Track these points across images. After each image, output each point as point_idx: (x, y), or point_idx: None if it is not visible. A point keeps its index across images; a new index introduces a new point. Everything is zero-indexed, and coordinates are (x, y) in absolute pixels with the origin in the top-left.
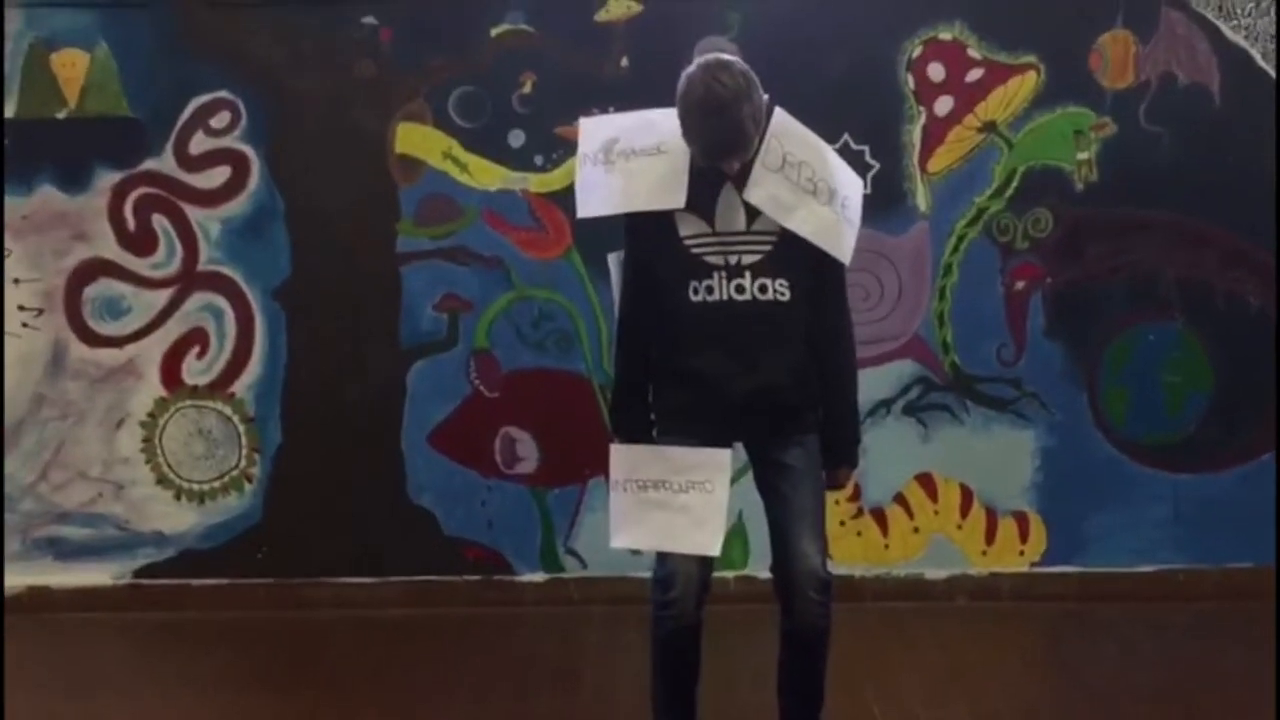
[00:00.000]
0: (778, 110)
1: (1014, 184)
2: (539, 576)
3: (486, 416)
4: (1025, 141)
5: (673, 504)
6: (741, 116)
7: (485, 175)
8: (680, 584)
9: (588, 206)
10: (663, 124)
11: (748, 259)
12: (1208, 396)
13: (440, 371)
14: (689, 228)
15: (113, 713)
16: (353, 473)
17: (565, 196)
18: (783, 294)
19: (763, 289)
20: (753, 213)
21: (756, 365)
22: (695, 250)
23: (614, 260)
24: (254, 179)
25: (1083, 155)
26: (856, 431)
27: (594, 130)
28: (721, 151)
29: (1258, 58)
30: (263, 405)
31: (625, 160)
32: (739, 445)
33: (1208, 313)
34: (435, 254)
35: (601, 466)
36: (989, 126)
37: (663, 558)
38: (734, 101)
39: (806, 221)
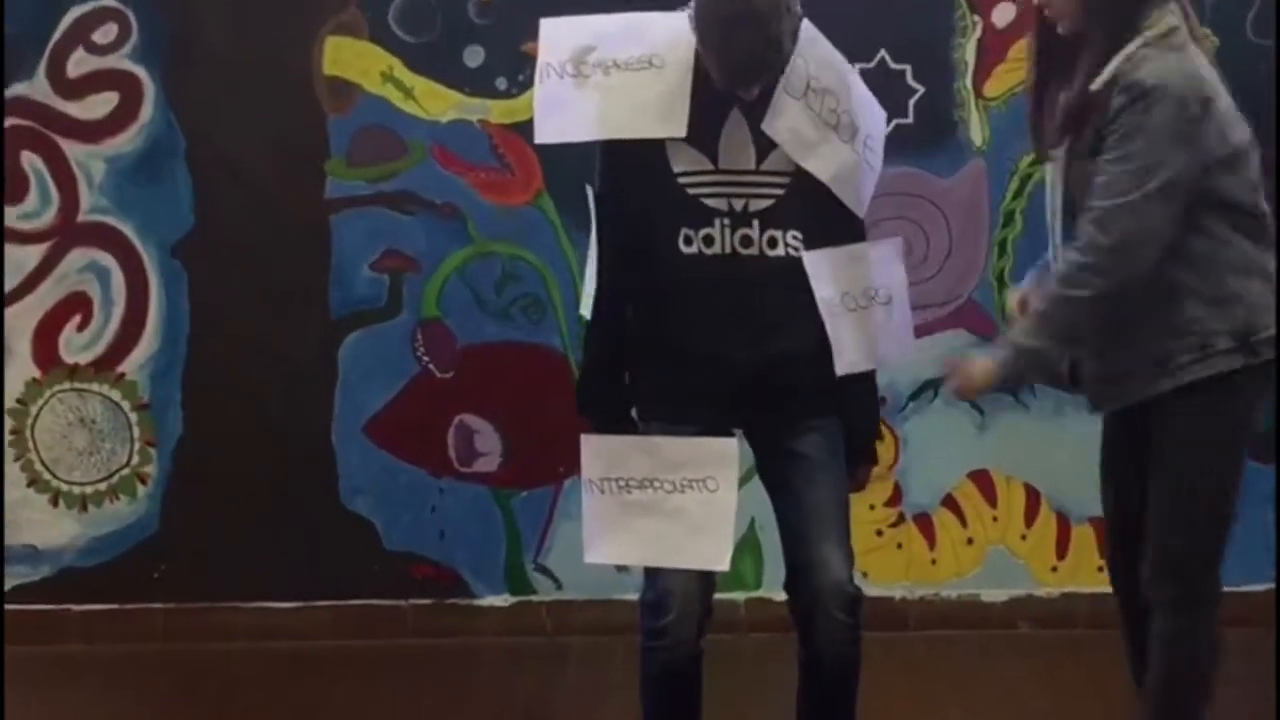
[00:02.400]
0: (805, 23)
1: None
2: (503, 600)
3: (438, 402)
4: None
5: (664, 508)
6: (781, 31)
7: (435, 102)
8: (676, 607)
9: (550, 128)
10: (655, 29)
11: (756, 204)
12: None
13: (380, 346)
14: (685, 162)
15: None
16: (272, 472)
17: (534, 128)
18: (795, 249)
19: (773, 242)
20: (764, 148)
21: (765, 333)
22: (692, 191)
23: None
24: (147, 108)
25: None
26: (875, 423)
27: (559, 35)
28: (751, 73)
29: None
30: (159, 388)
31: (604, 74)
32: (741, 434)
33: None
34: (373, 200)
35: (580, 464)
36: None
37: (652, 577)
38: (772, 10)
39: (827, 162)
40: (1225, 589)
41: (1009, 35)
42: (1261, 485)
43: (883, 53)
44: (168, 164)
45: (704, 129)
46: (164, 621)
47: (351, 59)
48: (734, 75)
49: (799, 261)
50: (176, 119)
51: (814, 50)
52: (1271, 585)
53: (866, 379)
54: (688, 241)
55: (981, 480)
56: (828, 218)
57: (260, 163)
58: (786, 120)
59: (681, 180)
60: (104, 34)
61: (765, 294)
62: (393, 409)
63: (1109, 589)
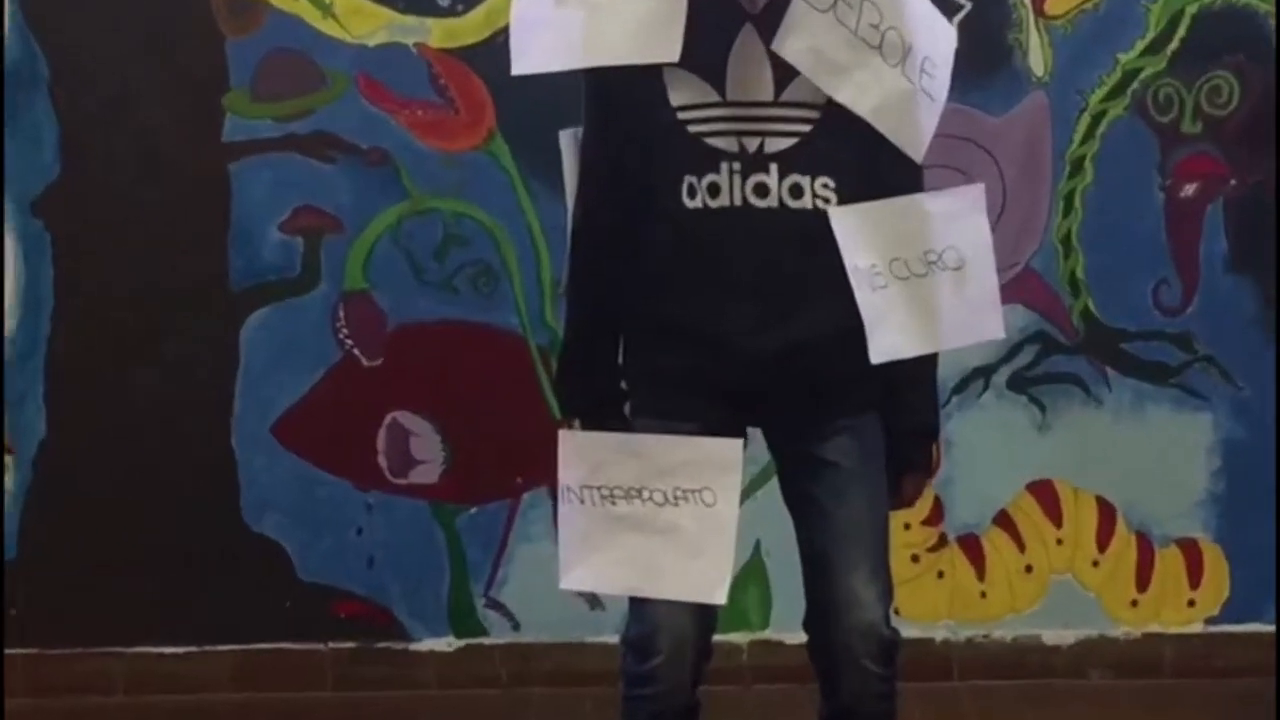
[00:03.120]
0: None
1: (1180, 32)
2: (445, 643)
3: (365, 396)
4: None
5: (655, 523)
6: None
7: (360, 20)
8: (666, 647)
9: (527, 57)
10: None
11: (774, 144)
12: None
13: (292, 326)
14: (686, 93)
15: None
16: (158, 483)
17: (486, 53)
18: (826, 199)
19: (796, 191)
20: (785, 74)
21: (785, 307)
22: (695, 128)
23: (569, 140)
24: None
25: None
26: (934, 419)
27: None
28: None
29: None
30: (17, 379)
31: None
32: (757, 436)
33: None
34: (284, 144)
35: (543, 473)
36: None
37: (639, 608)
38: None
39: (866, 91)
40: None
41: None
42: None
43: None
44: (27, 98)
45: (709, 51)
46: (21, 671)
47: None
48: None
49: (829, 217)
50: (37, 42)
51: None
52: None
53: (923, 365)
54: (691, 192)
55: (1043, 493)
56: (872, 161)
57: (142, 97)
58: (806, 38)
59: (682, 116)
60: None
61: (786, 258)
62: (308, 405)
63: (1200, 628)
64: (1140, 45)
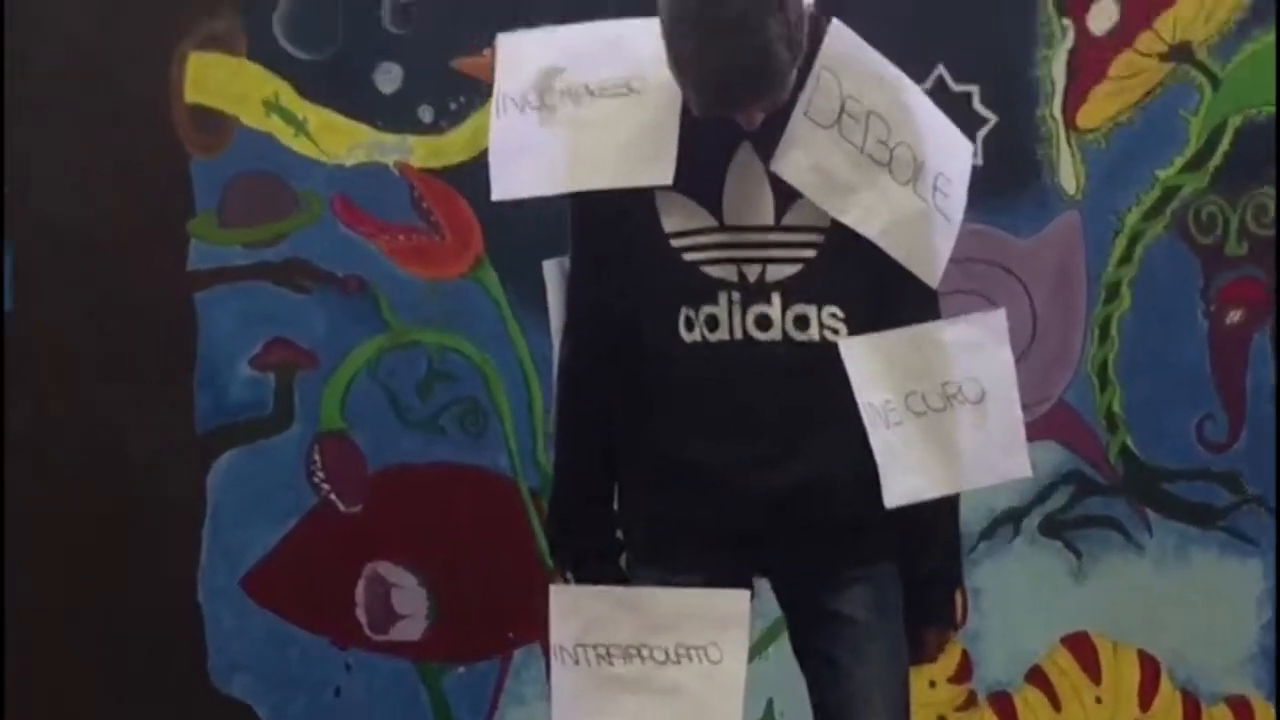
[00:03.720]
0: (834, 26)
1: (1223, 146)
2: None
3: (343, 545)
4: (1239, 76)
5: (656, 684)
6: (768, 36)
7: (337, 139)
8: None
9: (509, 182)
10: (638, 44)
11: (776, 272)
12: None
13: (264, 470)
14: (680, 219)
15: None
16: (121, 640)
17: (472, 174)
18: (835, 330)
19: (801, 322)
20: (786, 195)
21: (792, 449)
22: (690, 256)
23: (553, 271)
24: None
25: None
26: (957, 567)
27: (521, 54)
28: (733, 95)
29: None
30: None
31: (574, 104)
32: (765, 585)
33: None
34: (253, 272)
35: (535, 628)
36: (1180, 52)
37: None
38: (753, 8)
39: (874, 213)
40: None
41: (1111, 46)
42: None
43: (940, 68)
44: None
45: (704, 173)
46: None
47: (224, 81)
48: (713, 97)
49: (837, 350)
50: None
51: (852, 62)
52: None
53: (943, 508)
54: (689, 325)
55: (1080, 646)
56: (883, 288)
57: (103, 220)
58: (808, 156)
59: (676, 243)
60: None
61: (791, 394)
62: (281, 555)
63: None
64: (1180, 161)
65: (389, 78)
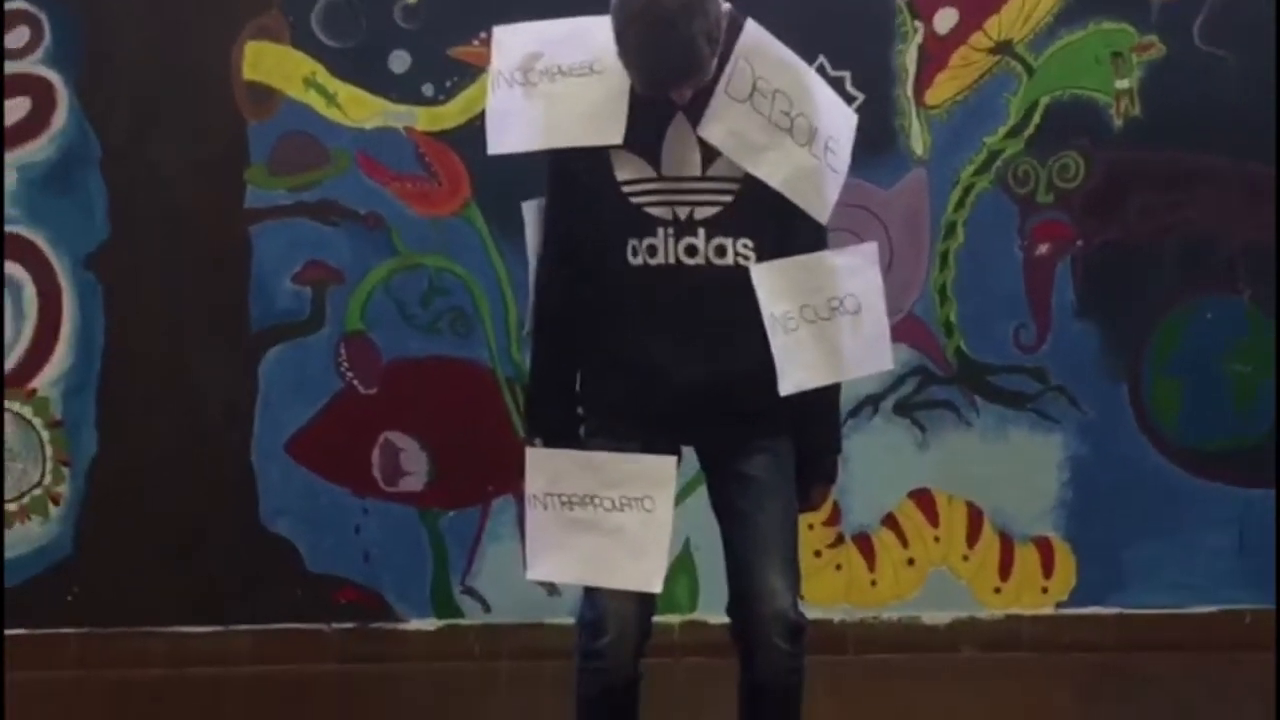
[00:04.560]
0: (749, 23)
1: (1035, 121)
2: (429, 624)
3: (362, 418)
4: (1049, 66)
5: (604, 526)
6: (692, 33)
7: (360, 109)
8: (613, 628)
9: (500, 140)
10: (598, 36)
11: (702, 212)
12: None
13: (301, 361)
14: (628, 170)
15: None
16: (190, 491)
17: (463, 136)
18: (745, 256)
19: (720, 250)
20: (710, 153)
21: (712, 349)
22: (636, 199)
23: (531, 209)
24: (60, 115)
25: (1122, 84)
26: (837, 438)
27: (510, 42)
28: (666, 78)
29: None
30: (73, 405)
31: (549, 81)
32: (690, 452)
33: None
34: (295, 210)
35: (509, 483)
36: (1003, 47)
37: (591, 595)
38: (683, 13)
39: (778, 167)
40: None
41: (951, 41)
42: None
43: (821, 58)
44: (81, 173)
45: (647, 135)
46: (78, 647)
47: (272, 64)
48: (651, 79)
49: (748, 271)
50: (91, 126)
51: (761, 49)
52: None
53: (828, 393)
54: (634, 252)
55: (922, 499)
56: (785, 225)
57: (177, 171)
58: (726, 124)
59: (625, 189)
60: (16, 38)
61: (712, 306)
62: (315, 426)
63: (1052, 610)
64: (1002, 131)
65: (400, 62)
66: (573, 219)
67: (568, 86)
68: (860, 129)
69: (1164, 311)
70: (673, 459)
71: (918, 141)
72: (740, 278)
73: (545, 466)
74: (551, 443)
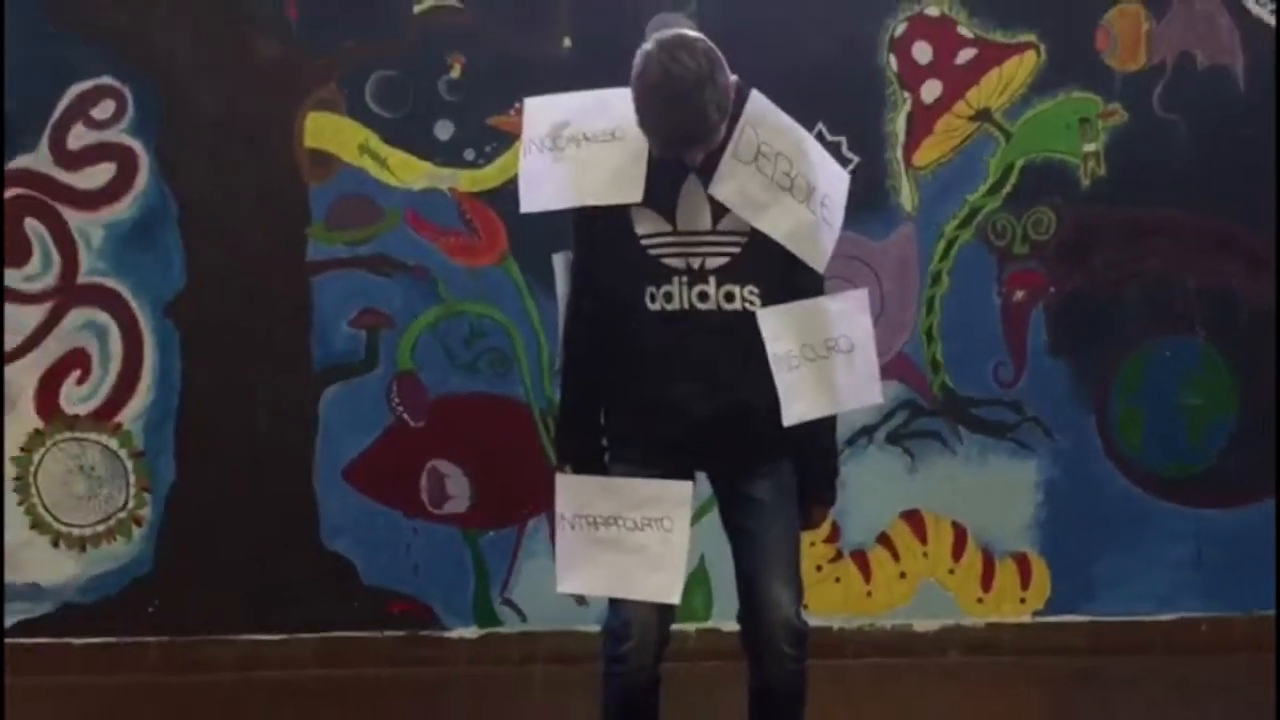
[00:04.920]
0: (753, 94)
1: (1011, 180)
2: (472, 632)
3: (411, 448)
4: (1024, 131)
5: (627, 544)
6: (704, 102)
7: (408, 172)
8: (636, 635)
9: (532, 200)
10: (618, 106)
11: (712, 262)
12: (1233, 421)
13: (357, 397)
14: (646, 225)
15: None
16: (258, 514)
17: (500, 196)
18: (752, 303)
19: (729, 297)
20: (719, 210)
21: (722, 384)
22: (653, 251)
23: (560, 261)
24: (142, 178)
25: (1089, 147)
26: (834, 464)
27: (541, 112)
28: (681, 142)
29: None
30: (153, 437)
31: (575, 147)
32: (702, 477)
33: (1232, 326)
34: (351, 262)
35: (543, 505)
36: (983, 115)
37: (616, 606)
38: (696, 85)
39: (780, 222)
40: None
41: (936, 110)
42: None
43: (820, 125)
44: (161, 230)
45: (663, 194)
46: (156, 654)
47: (331, 132)
48: (667, 143)
49: (755, 316)
50: (169, 188)
51: (765, 118)
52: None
53: (826, 424)
54: (652, 299)
55: (913, 519)
56: (786, 273)
57: (247, 228)
58: (734, 184)
59: (644, 242)
60: (102, 109)
61: (722, 347)
62: (370, 455)
63: (1029, 618)
64: (983, 189)
65: (444, 130)
66: (597, 269)
67: (592, 151)
68: (855, 187)
69: (1128, 351)
70: (689, 484)
71: (907, 199)
72: (747, 321)
73: (574, 491)
74: (579, 470)
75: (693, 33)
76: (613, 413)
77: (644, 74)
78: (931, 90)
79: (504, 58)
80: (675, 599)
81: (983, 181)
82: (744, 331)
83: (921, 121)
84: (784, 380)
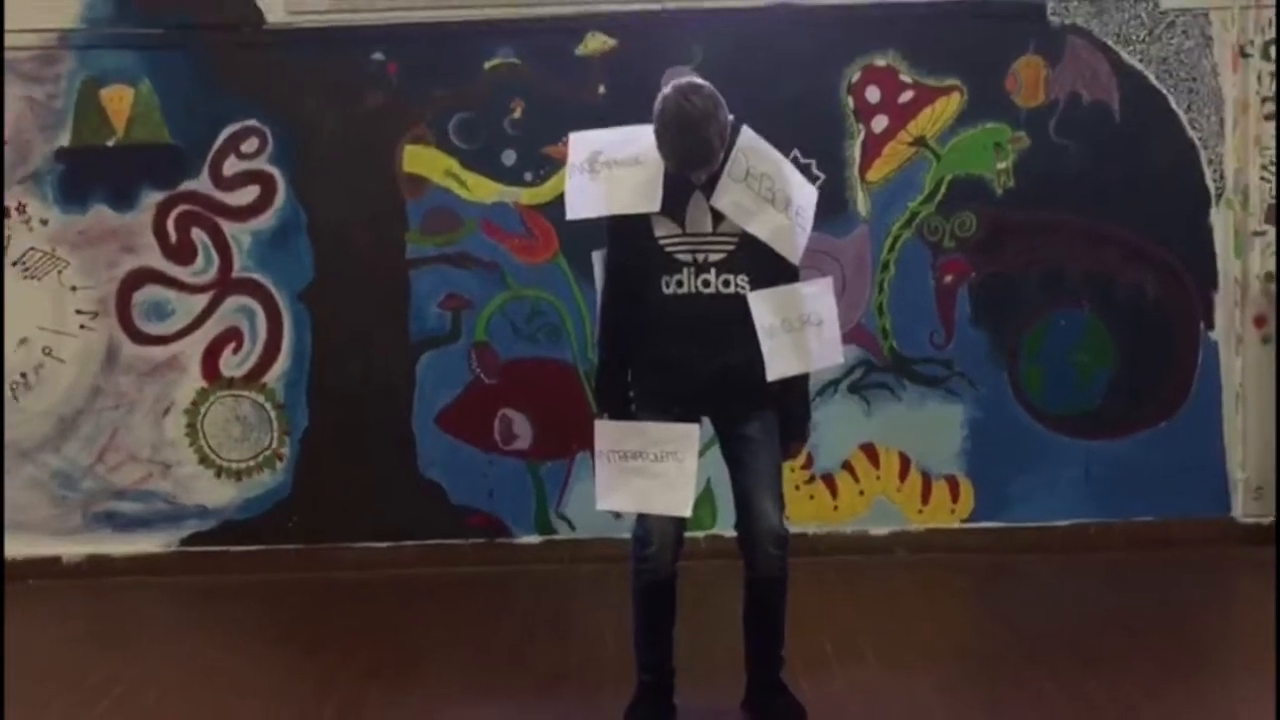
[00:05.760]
0: (744, 128)
1: (942, 191)
2: (534, 539)
3: (486, 400)
4: (951, 154)
5: (650, 472)
6: (709, 134)
7: (482, 190)
8: (657, 541)
9: (576, 209)
10: (641, 138)
11: (713, 257)
12: (1112, 373)
13: (445, 362)
14: (662, 229)
15: (162, 663)
16: (371, 451)
17: (552, 207)
18: (743, 288)
19: (726, 283)
20: (718, 217)
21: (720, 350)
22: (668, 249)
23: (597, 257)
24: (280, 196)
25: (1001, 165)
26: (808, 410)
27: (581, 143)
28: (691, 163)
29: (1151, 78)
30: (291, 393)
31: (608, 169)
32: (706, 421)
33: (1110, 300)
34: (439, 259)
35: (587, 442)
36: (919, 141)
37: (642, 518)
38: (703, 120)
39: (765, 226)
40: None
41: (883, 138)
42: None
43: (795, 150)
44: (294, 236)
45: (675, 204)
46: (294, 558)
47: (423, 160)
48: (680, 164)
49: (746, 297)
50: (300, 203)
51: (753, 146)
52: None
53: (802, 380)
54: (666, 285)
55: (868, 450)
56: (769, 265)
57: (360, 234)
58: (729, 196)
59: (660, 241)
60: (249, 145)
61: (720, 321)
62: (455, 406)
63: (959, 525)
64: (920, 198)
65: (509, 158)
66: (625, 263)
67: (620, 172)
68: (822, 198)
69: (1031, 320)
70: (696, 426)
71: (862, 206)
72: (740, 302)
73: (609, 433)
74: (613, 417)
75: (700, 79)
76: (638, 372)
77: (663, 111)
78: (880, 123)
79: (553, 102)
80: (687, 513)
81: (920, 193)
82: (737, 310)
83: (872, 147)
84: (768, 346)
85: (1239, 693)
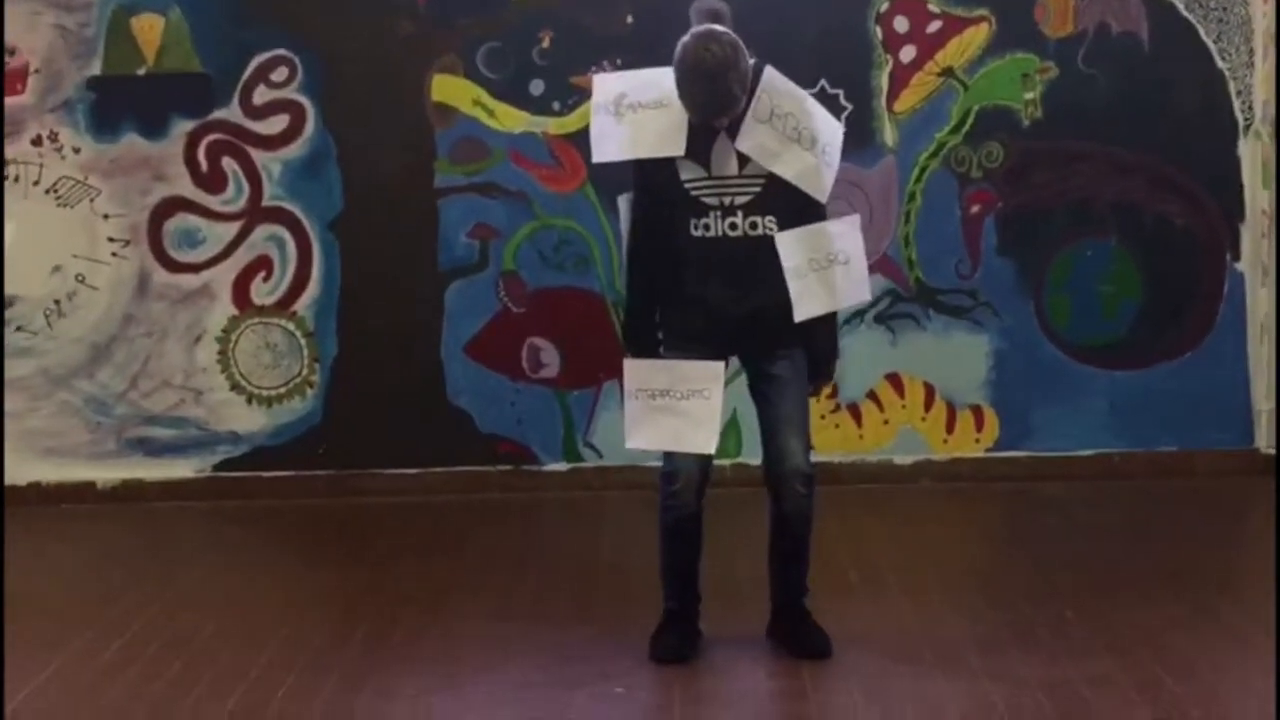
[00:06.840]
0: (767, 68)
1: (969, 122)
2: (561, 466)
3: (514, 329)
4: (979, 84)
5: (677, 410)
6: (729, 82)
7: (510, 120)
8: (683, 479)
9: (601, 153)
10: (665, 81)
11: (739, 199)
12: (1138, 304)
13: (473, 291)
14: (688, 172)
15: (196, 585)
16: (400, 378)
17: (580, 137)
18: (771, 229)
19: (753, 225)
20: (744, 159)
21: (749, 292)
22: (694, 192)
23: (623, 201)
24: (310, 125)
25: (1029, 95)
26: (835, 348)
27: (606, 85)
28: (711, 112)
29: (1180, 8)
30: (321, 321)
31: (633, 112)
32: (734, 358)
33: (1137, 231)
34: (468, 189)
35: (614, 371)
36: (947, 72)
37: (669, 455)
38: (721, 69)
39: (790, 166)
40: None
41: (911, 68)
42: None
43: (823, 81)
44: (324, 165)
45: (700, 147)
46: (324, 484)
47: (451, 90)
48: (700, 112)
49: (773, 239)
50: (330, 133)
51: (776, 86)
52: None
53: (828, 319)
54: (694, 228)
55: (894, 380)
56: (797, 205)
57: (389, 163)
58: (753, 138)
59: (687, 185)
60: (279, 74)
61: (747, 262)
62: (483, 334)
63: (982, 454)
64: (947, 129)
65: (537, 87)
66: (653, 207)
67: (645, 116)
68: (849, 129)
69: (1057, 250)
70: (721, 364)
71: (889, 137)
72: (767, 243)
73: (637, 371)
74: (641, 355)
75: (721, 28)
76: (666, 313)
77: (683, 60)
78: (908, 53)
79: (582, 32)
80: (712, 450)
81: (947, 123)
82: (764, 251)
83: (900, 77)
84: (795, 286)
85: (1259, 621)
